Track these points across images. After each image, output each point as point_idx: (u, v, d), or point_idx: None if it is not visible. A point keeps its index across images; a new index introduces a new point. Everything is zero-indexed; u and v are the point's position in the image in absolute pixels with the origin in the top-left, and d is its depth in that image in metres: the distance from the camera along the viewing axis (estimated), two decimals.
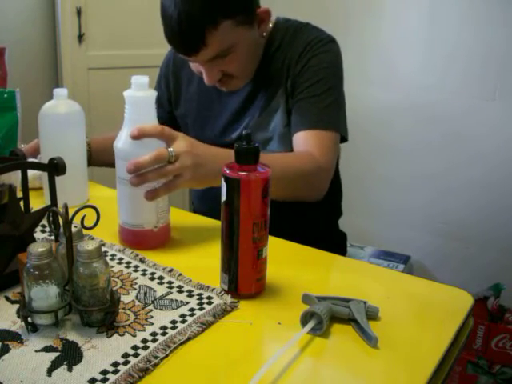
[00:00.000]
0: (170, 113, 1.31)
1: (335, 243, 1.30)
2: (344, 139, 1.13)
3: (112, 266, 0.83)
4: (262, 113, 1.14)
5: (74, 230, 0.68)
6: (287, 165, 0.99)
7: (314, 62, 1.09)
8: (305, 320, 0.67)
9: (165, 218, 0.90)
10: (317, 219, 1.25)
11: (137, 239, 0.89)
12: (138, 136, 0.81)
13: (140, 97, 0.86)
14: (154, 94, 0.87)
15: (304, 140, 1.06)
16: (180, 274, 0.80)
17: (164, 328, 0.67)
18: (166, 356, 0.62)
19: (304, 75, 1.09)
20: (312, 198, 1.08)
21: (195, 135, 1.21)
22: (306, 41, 1.11)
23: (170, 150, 0.82)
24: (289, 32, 1.14)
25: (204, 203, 1.30)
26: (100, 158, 1.26)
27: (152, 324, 0.68)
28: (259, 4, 1.08)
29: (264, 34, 1.12)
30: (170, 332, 0.66)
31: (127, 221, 0.89)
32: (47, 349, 0.63)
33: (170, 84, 1.29)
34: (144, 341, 0.64)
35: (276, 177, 0.92)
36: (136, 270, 0.82)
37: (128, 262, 0.85)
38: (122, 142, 0.85)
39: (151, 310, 0.71)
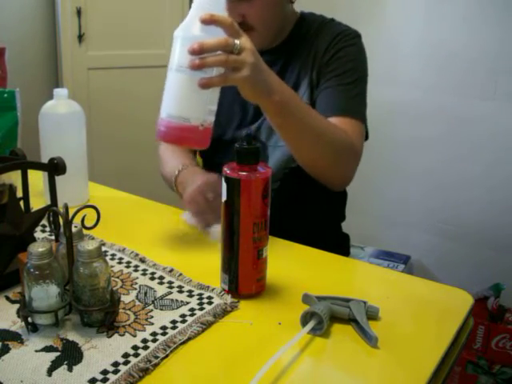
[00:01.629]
0: None
1: (338, 245, 1.30)
2: (365, 137, 1.12)
3: (112, 266, 0.83)
4: None
5: (74, 229, 0.68)
6: (330, 127, 0.97)
7: (341, 54, 1.10)
8: (305, 320, 0.67)
9: (211, 118, 0.84)
10: (319, 222, 1.25)
11: (181, 134, 0.82)
12: (208, 20, 0.78)
13: None
14: None
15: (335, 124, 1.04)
16: (180, 274, 0.80)
17: (164, 328, 0.67)
18: (166, 356, 0.62)
19: (331, 66, 1.09)
20: (338, 176, 1.04)
21: (220, 125, 1.17)
22: (333, 33, 1.12)
23: (236, 41, 0.79)
24: (315, 24, 1.15)
25: None
26: None
27: (152, 324, 0.68)
28: None
29: (291, 1, 1.12)
30: (170, 332, 0.66)
31: (174, 113, 0.82)
32: (47, 349, 0.63)
33: None
34: (144, 341, 0.64)
35: (317, 131, 0.93)
36: (136, 270, 0.82)
37: (128, 262, 0.85)
38: (185, 27, 0.82)
39: (151, 310, 0.71)
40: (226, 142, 1.19)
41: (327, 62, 1.10)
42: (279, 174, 1.13)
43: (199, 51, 0.76)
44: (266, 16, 1.08)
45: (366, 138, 1.13)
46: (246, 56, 0.79)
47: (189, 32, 0.80)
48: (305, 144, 0.95)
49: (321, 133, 0.94)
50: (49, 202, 0.80)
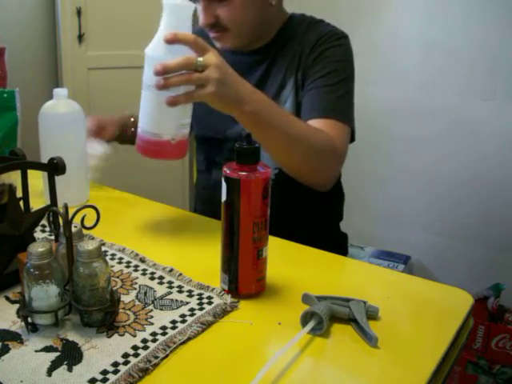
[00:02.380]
0: None
1: (336, 244, 1.30)
2: (352, 139, 1.12)
3: (112, 266, 0.83)
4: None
5: (74, 229, 0.68)
6: (309, 131, 0.98)
7: (326, 54, 1.10)
8: (305, 320, 0.67)
9: (183, 132, 0.89)
10: (317, 222, 1.25)
11: (153, 148, 0.89)
12: (171, 40, 0.81)
13: (178, 4, 0.86)
14: (192, 5, 0.87)
15: (317, 126, 1.05)
16: (180, 274, 0.80)
17: (164, 328, 0.67)
18: (166, 356, 0.62)
19: (316, 66, 1.09)
20: (319, 177, 1.04)
21: (204, 122, 1.22)
22: (319, 34, 1.12)
23: (200, 59, 0.81)
24: (303, 25, 1.15)
25: (207, 207, 1.29)
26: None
27: (152, 324, 0.68)
28: None
29: (272, 2, 1.11)
30: (170, 332, 0.66)
31: (146, 129, 0.89)
32: (47, 349, 0.63)
33: None
34: (144, 341, 0.64)
35: (294, 137, 0.94)
36: (136, 270, 0.82)
37: (128, 262, 0.85)
38: (153, 47, 0.85)
39: (151, 310, 0.71)
40: (222, 140, 1.19)
41: (312, 62, 1.10)
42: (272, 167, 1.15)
43: (163, 72, 0.80)
44: (239, 17, 1.08)
45: (353, 139, 1.13)
46: (209, 73, 0.81)
47: (155, 51, 0.84)
48: (282, 150, 0.96)
49: (299, 139, 0.95)
50: (49, 202, 0.79)
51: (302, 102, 1.11)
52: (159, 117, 0.88)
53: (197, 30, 1.31)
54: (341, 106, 1.08)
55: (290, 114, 1.01)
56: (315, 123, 1.05)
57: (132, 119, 1.28)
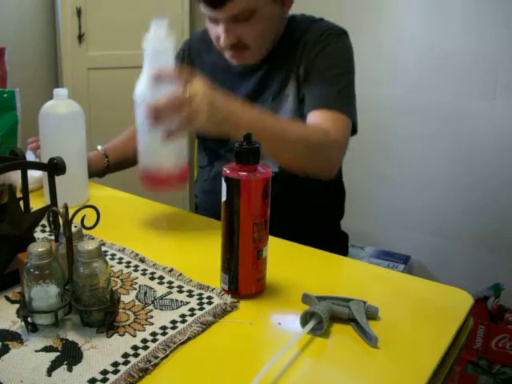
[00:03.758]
0: None
1: (337, 244, 1.30)
2: (354, 131, 1.13)
3: (112, 266, 0.83)
4: (274, 99, 1.16)
5: (73, 229, 0.68)
6: (304, 131, 1.00)
7: (327, 50, 1.12)
8: (305, 320, 0.67)
9: (181, 161, 0.93)
10: (318, 220, 1.25)
11: (158, 181, 0.93)
12: (156, 78, 0.85)
13: (158, 47, 0.89)
14: (172, 42, 0.90)
15: (317, 118, 1.07)
16: (180, 274, 0.80)
17: (164, 328, 0.67)
18: (166, 356, 0.62)
19: (317, 61, 1.11)
20: (324, 171, 1.06)
21: None
22: (320, 30, 1.14)
23: (186, 91, 0.83)
24: (304, 24, 1.17)
25: (209, 198, 1.30)
26: (119, 167, 1.30)
27: (152, 324, 0.68)
28: None
29: (285, 16, 1.15)
30: (170, 332, 0.66)
31: (147, 165, 0.92)
32: (47, 349, 0.63)
33: None
34: (144, 341, 0.64)
35: (292, 141, 0.96)
36: (136, 270, 0.82)
37: (128, 262, 0.85)
38: (140, 90, 0.89)
39: (151, 310, 0.71)
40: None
41: (314, 58, 1.12)
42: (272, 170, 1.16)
43: (154, 111, 0.82)
44: (260, 35, 1.11)
45: (355, 130, 1.14)
46: (198, 104, 0.83)
47: (142, 95, 0.88)
48: (282, 155, 0.98)
49: (297, 141, 0.97)
50: (49, 202, 0.80)
51: (305, 95, 1.12)
52: (158, 152, 0.91)
53: (183, 47, 1.32)
54: (341, 97, 1.09)
55: (283, 119, 1.04)
56: (316, 114, 1.07)
57: (98, 150, 1.28)
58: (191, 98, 0.83)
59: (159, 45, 0.89)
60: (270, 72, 1.17)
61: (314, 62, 1.11)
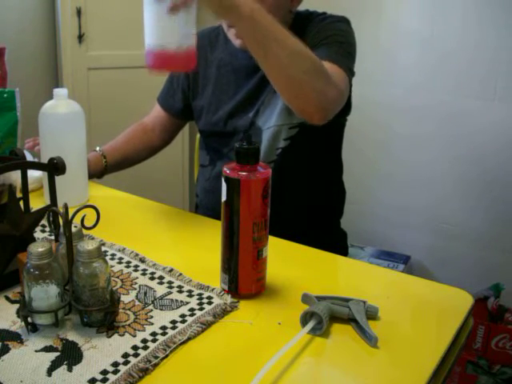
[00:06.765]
0: (186, 100, 1.32)
1: (336, 243, 1.30)
2: (349, 108, 1.14)
3: (112, 266, 0.83)
4: (276, 92, 1.15)
5: (73, 229, 0.68)
6: (307, 49, 0.94)
7: (327, 27, 1.13)
8: (305, 320, 0.67)
9: (189, 41, 0.89)
10: (318, 219, 1.25)
11: (161, 60, 0.88)
12: None
13: None
14: None
15: None
16: (180, 274, 0.80)
17: (164, 328, 0.67)
18: (166, 356, 0.62)
19: (318, 37, 1.11)
20: (315, 101, 0.95)
21: (208, 118, 1.24)
22: (321, 18, 1.16)
23: None
24: (308, 18, 1.18)
25: (210, 197, 1.30)
26: (117, 168, 1.30)
27: (152, 324, 0.68)
28: None
29: (292, 10, 1.15)
30: (170, 332, 0.66)
31: (152, 42, 0.89)
32: (47, 349, 0.63)
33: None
34: (144, 341, 0.64)
35: (294, 51, 0.90)
36: (136, 270, 0.82)
37: (128, 262, 0.85)
38: None
39: (151, 310, 0.71)
40: (231, 133, 1.21)
41: (313, 36, 1.11)
42: (272, 154, 1.16)
43: None
44: None
45: (349, 107, 1.14)
46: None
47: None
48: (282, 64, 0.91)
49: (299, 54, 0.91)
50: (49, 202, 0.80)
51: None
52: (163, 27, 0.87)
53: (207, 30, 1.32)
54: (341, 57, 1.08)
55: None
56: None
57: (95, 151, 1.28)
58: None
59: None
60: None
61: (315, 38, 1.11)
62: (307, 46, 1.09)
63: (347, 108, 1.14)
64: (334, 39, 1.10)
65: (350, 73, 1.09)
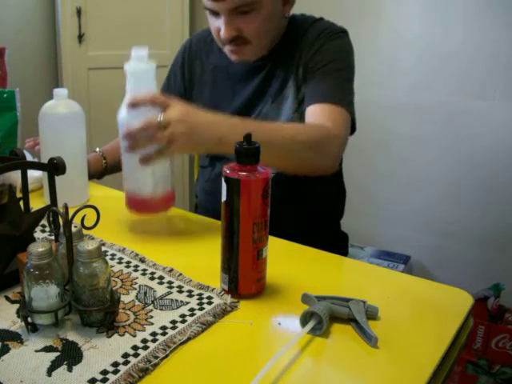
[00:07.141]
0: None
1: (336, 244, 1.30)
2: (353, 129, 1.13)
3: (112, 266, 0.83)
4: (274, 100, 1.16)
5: (74, 229, 0.68)
6: (295, 133, 0.97)
7: (326, 47, 1.12)
8: (305, 320, 0.67)
9: (163, 185, 0.93)
10: (318, 220, 1.25)
11: (138, 205, 0.94)
12: (131, 104, 0.85)
13: (139, 69, 0.89)
14: (153, 66, 0.90)
15: (315, 112, 1.06)
16: (180, 274, 0.80)
17: (164, 328, 0.67)
18: (166, 356, 0.62)
19: (315, 59, 1.11)
20: (325, 166, 1.03)
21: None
22: (318, 29, 1.14)
23: (160, 117, 0.83)
24: (304, 24, 1.17)
25: (209, 198, 1.30)
26: (117, 168, 1.30)
27: (152, 324, 0.68)
28: None
29: (286, 15, 1.15)
30: (170, 332, 0.66)
31: (129, 187, 0.93)
32: (47, 349, 0.63)
33: (185, 73, 1.31)
34: (144, 341, 0.64)
35: (286, 145, 0.94)
36: (136, 270, 0.82)
37: (128, 262, 0.85)
38: (121, 112, 0.89)
39: (151, 310, 0.71)
40: None
41: (312, 56, 1.12)
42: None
43: (128, 136, 0.84)
44: (261, 30, 1.11)
45: (354, 128, 1.13)
46: (173, 129, 0.82)
47: (122, 117, 0.89)
48: (279, 160, 0.95)
49: (292, 144, 0.95)
50: (49, 202, 0.80)
51: (305, 92, 1.12)
52: (138, 175, 0.92)
53: (183, 48, 1.32)
54: (339, 92, 1.09)
55: (274, 123, 1.02)
56: (316, 108, 1.06)
57: (96, 152, 1.29)
58: (166, 122, 0.82)
59: (139, 69, 0.89)
60: (270, 73, 1.17)
61: (313, 59, 1.11)
62: (301, 58, 1.10)
63: (352, 130, 1.14)
64: (332, 68, 1.10)
65: (351, 106, 1.10)
